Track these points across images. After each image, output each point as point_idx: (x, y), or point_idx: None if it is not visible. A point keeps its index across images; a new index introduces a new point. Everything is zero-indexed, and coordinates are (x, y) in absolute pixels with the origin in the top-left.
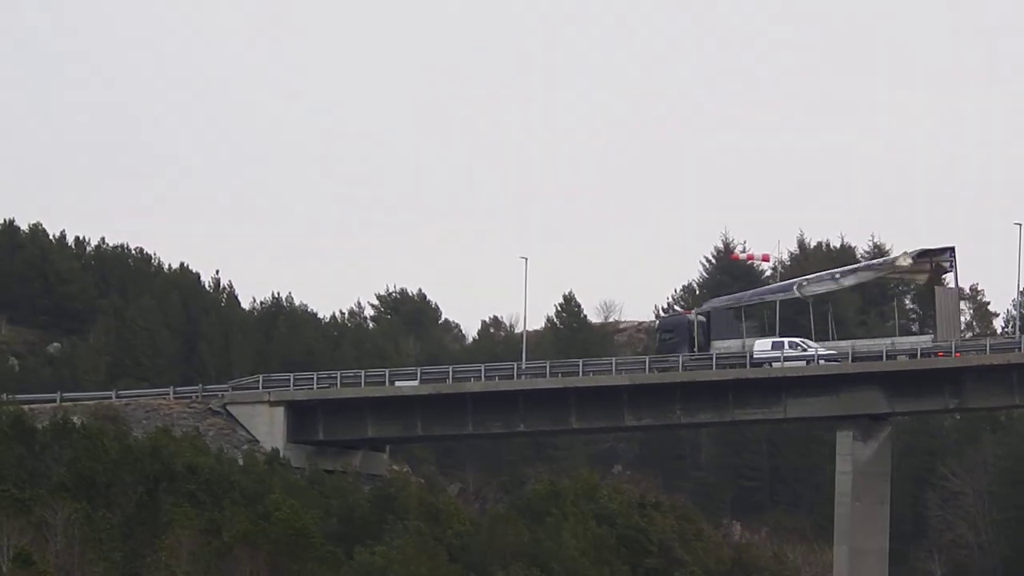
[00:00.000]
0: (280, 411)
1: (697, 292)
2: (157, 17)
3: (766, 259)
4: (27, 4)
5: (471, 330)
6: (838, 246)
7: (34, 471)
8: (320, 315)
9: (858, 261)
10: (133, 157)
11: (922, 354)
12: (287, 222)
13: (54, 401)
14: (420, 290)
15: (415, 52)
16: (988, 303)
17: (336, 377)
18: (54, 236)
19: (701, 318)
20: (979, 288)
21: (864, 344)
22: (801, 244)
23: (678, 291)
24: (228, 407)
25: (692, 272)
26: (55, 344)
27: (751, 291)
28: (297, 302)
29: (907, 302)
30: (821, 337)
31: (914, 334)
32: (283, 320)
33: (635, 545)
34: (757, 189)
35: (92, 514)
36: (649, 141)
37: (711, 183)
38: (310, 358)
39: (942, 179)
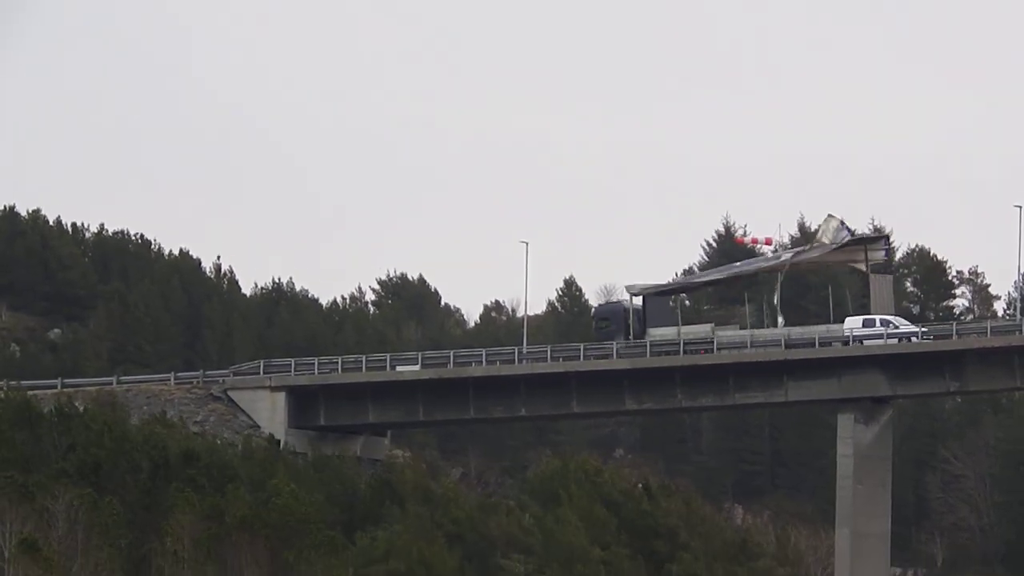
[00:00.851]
0: (281, 396)
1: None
2: (154, 2)
3: (769, 242)
4: None
5: (472, 315)
6: None
7: (37, 457)
8: (321, 300)
9: None
10: (133, 143)
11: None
12: (288, 207)
13: (55, 387)
14: (421, 275)
15: (415, 36)
16: (989, 285)
17: (337, 362)
18: (54, 222)
19: (637, 304)
20: (979, 271)
21: (798, 331)
22: (802, 227)
23: (679, 275)
24: (229, 392)
25: (693, 256)
26: (56, 330)
27: (683, 278)
28: (298, 287)
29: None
30: (816, 320)
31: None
32: (284, 305)
33: (641, 529)
34: (758, 172)
35: (98, 500)
36: (650, 125)
37: (712, 167)
38: (311, 343)
39: (942, 161)
